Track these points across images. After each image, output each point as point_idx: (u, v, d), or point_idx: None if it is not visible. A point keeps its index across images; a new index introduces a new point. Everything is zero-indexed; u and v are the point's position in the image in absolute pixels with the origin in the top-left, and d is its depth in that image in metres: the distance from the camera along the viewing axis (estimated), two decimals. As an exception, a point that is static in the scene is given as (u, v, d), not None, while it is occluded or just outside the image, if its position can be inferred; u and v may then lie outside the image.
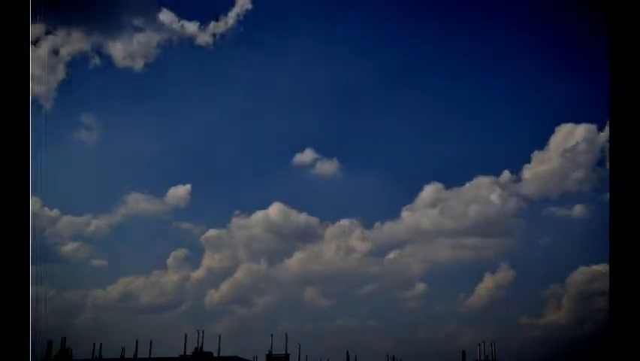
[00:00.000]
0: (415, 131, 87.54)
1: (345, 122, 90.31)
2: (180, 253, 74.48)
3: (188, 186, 76.65)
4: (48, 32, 67.42)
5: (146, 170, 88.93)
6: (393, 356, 52.52)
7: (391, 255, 75.95)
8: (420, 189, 79.91)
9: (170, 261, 73.90)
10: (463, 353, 49.16)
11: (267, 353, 45.92)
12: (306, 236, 78.70)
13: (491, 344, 48.10)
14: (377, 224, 77.06)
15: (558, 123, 74.54)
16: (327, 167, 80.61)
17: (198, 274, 74.10)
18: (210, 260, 74.65)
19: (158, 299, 72.15)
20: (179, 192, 76.79)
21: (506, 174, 74.54)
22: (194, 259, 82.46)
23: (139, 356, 43.47)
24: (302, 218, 78.18)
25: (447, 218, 75.54)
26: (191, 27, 78.58)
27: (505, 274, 70.55)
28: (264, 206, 78.36)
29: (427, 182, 77.86)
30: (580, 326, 63.26)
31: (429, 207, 76.46)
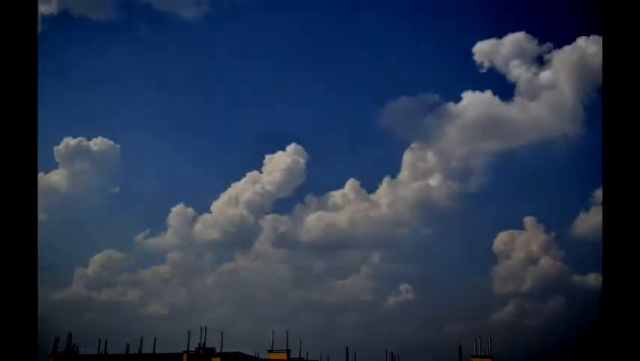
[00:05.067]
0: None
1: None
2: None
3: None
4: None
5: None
6: (392, 353, 53.13)
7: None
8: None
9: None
10: (460, 348, 49.64)
11: (269, 349, 46.53)
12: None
13: (487, 340, 48.64)
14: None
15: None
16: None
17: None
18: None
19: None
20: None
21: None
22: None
23: (143, 352, 43.98)
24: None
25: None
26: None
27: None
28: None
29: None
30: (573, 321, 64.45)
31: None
